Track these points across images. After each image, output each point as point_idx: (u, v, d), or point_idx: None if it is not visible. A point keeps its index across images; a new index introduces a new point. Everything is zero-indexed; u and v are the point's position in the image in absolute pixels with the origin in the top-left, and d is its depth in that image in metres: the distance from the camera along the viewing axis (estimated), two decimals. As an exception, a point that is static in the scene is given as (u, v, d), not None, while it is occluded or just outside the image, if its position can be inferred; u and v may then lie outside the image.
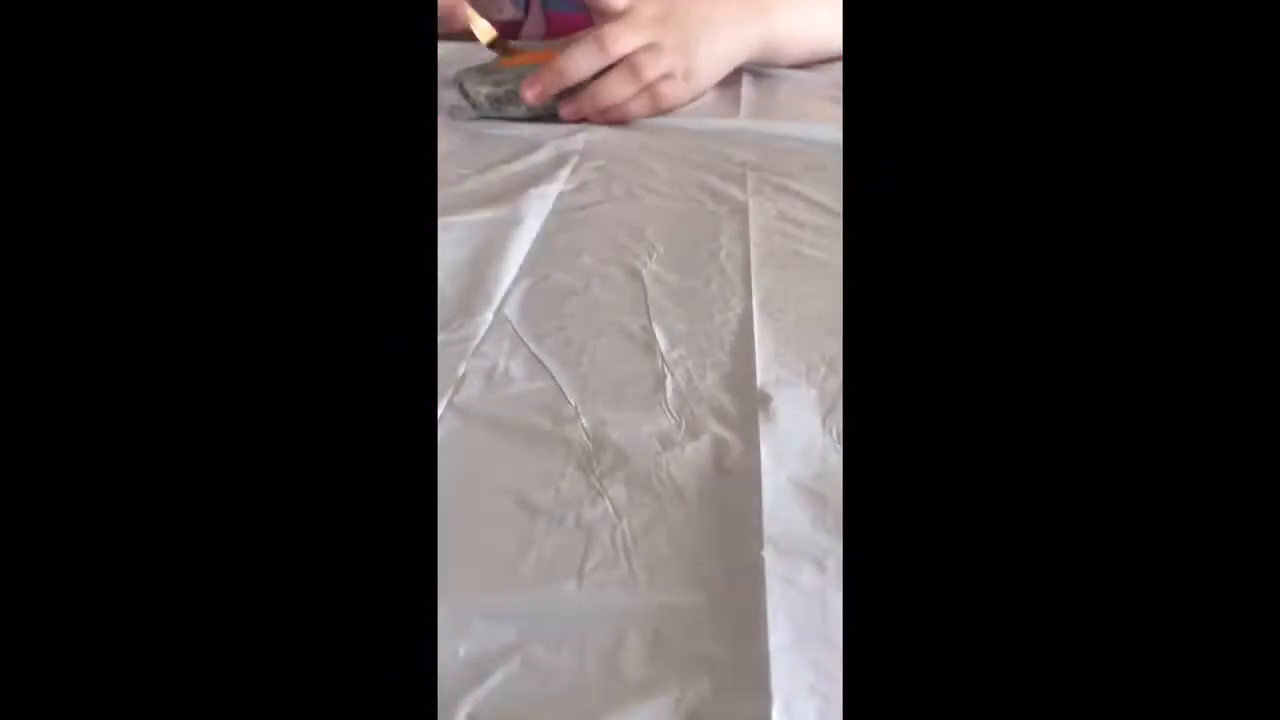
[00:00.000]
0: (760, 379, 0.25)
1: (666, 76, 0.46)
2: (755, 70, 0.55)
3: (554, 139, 0.45)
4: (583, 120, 0.47)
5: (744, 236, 0.34)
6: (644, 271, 0.31)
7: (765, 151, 0.42)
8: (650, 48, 0.46)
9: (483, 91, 0.47)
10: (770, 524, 0.19)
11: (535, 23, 0.69)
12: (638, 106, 0.46)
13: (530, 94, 0.46)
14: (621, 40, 0.45)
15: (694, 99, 0.48)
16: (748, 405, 0.24)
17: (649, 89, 0.46)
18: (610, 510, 0.20)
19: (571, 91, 0.47)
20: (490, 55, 0.53)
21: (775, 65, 0.54)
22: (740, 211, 0.36)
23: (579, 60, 0.45)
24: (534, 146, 0.44)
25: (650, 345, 0.27)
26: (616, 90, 0.46)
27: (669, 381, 0.25)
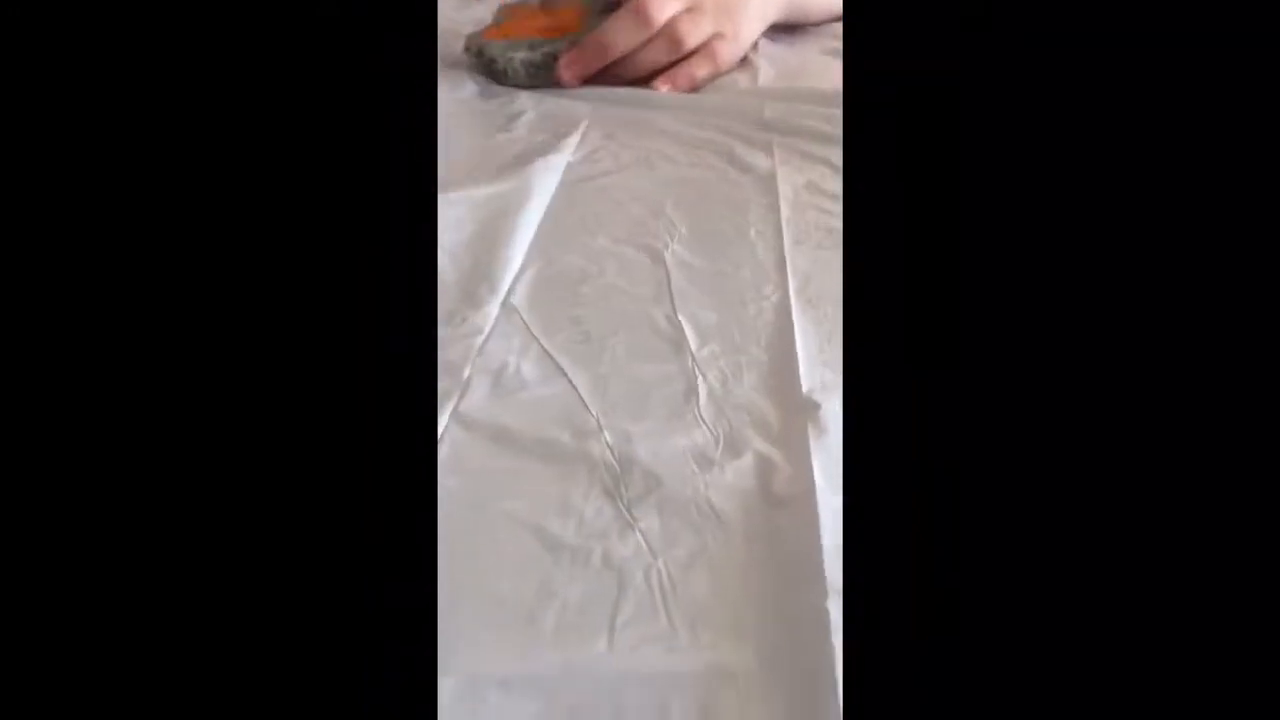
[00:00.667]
0: (805, 383, 0.22)
1: (715, 37, 0.43)
2: (771, 29, 0.51)
3: (558, 102, 0.41)
4: (590, 82, 0.43)
5: (774, 211, 0.31)
6: (666, 253, 0.28)
7: (787, 114, 0.39)
8: (689, 12, 0.42)
9: (518, 58, 0.43)
10: (832, 565, 0.17)
11: None
12: (703, 70, 0.42)
13: (568, 74, 0.42)
14: (663, 8, 0.41)
15: (734, 63, 0.45)
16: (793, 415, 0.21)
17: (706, 49, 0.42)
18: (643, 545, 0.18)
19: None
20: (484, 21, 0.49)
21: (800, 23, 0.50)
22: (767, 182, 0.33)
23: (622, 34, 0.41)
24: (536, 112, 0.40)
25: (678, 341, 0.24)
26: (657, 59, 0.42)
27: (701, 385, 0.22)
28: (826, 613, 0.16)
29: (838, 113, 0.39)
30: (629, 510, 0.18)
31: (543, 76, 0.44)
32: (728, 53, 0.43)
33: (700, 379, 0.22)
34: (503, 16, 0.49)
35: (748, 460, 0.20)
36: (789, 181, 0.33)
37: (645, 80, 0.43)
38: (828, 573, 0.16)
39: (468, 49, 0.47)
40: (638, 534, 0.18)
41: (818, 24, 0.52)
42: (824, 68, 0.47)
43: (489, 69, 0.45)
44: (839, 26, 0.52)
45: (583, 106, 0.41)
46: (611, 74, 0.43)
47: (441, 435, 0.21)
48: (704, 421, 0.21)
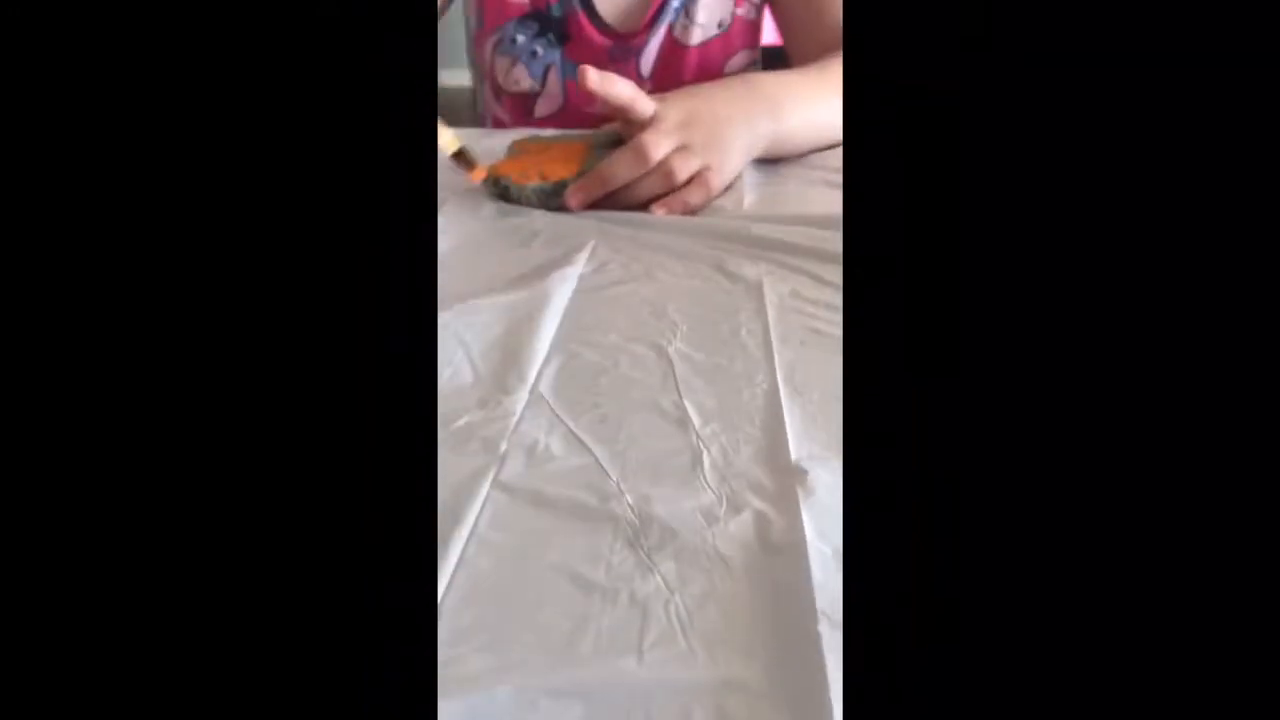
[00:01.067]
0: (794, 454, 0.26)
1: (704, 168, 0.49)
2: (756, 160, 0.57)
3: (568, 223, 0.47)
4: (594, 207, 0.49)
5: (761, 314, 0.35)
6: (670, 349, 0.32)
7: (772, 233, 0.44)
8: (680, 150, 0.49)
9: (530, 188, 0.49)
10: (821, 597, 0.20)
11: (552, 94, 0.72)
12: (696, 198, 0.48)
13: (574, 201, 0.48)
14: (659, 147, 0.48)
15: (721, 191, 0.51)
16: (785, 480, 0.24)
17: (700, 179, 0.49)
18: (662, 585, 0.21)
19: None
20: (505, 143, 0.55)
21: (781, 157, 0.57)
22: (755, 290, 0.38)
23: (623, 168, 0.48)
24: (550, 232, 0.46)
25: (683, 421, 0.28)
26: (653, 190, 0.48)
27: (705, 457, 0.26)
28: (819, 635, 0.19)
29: (819, 232, 0.44)
30: (649, 557, 0.22)
31: (552, 202, 0.49)
32: (717, 182, 0.50)
33: (705, 452, 0.26)
34: (516, 150, 0.55)
35: (747, 516, 0.23)
36: (774, 289, 0.38)
37: (642, 207, 0.49)
38: (818, 603, 0.20)
39: (486, 178, 0.53)
40: (658, 576, 0.21)
41: (798, 156, 0.59)
42: (804, 194, 0.53)
43: (504, 195, 0.51)
44: (817, 157, 0.59)
45: (590, 227, 0.46)
46: (612, 201, 0.49)
47: (484, 500, 0.24)
48: (709, 486, 0.24)
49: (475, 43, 0.75)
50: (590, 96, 0.47)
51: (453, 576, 0.21)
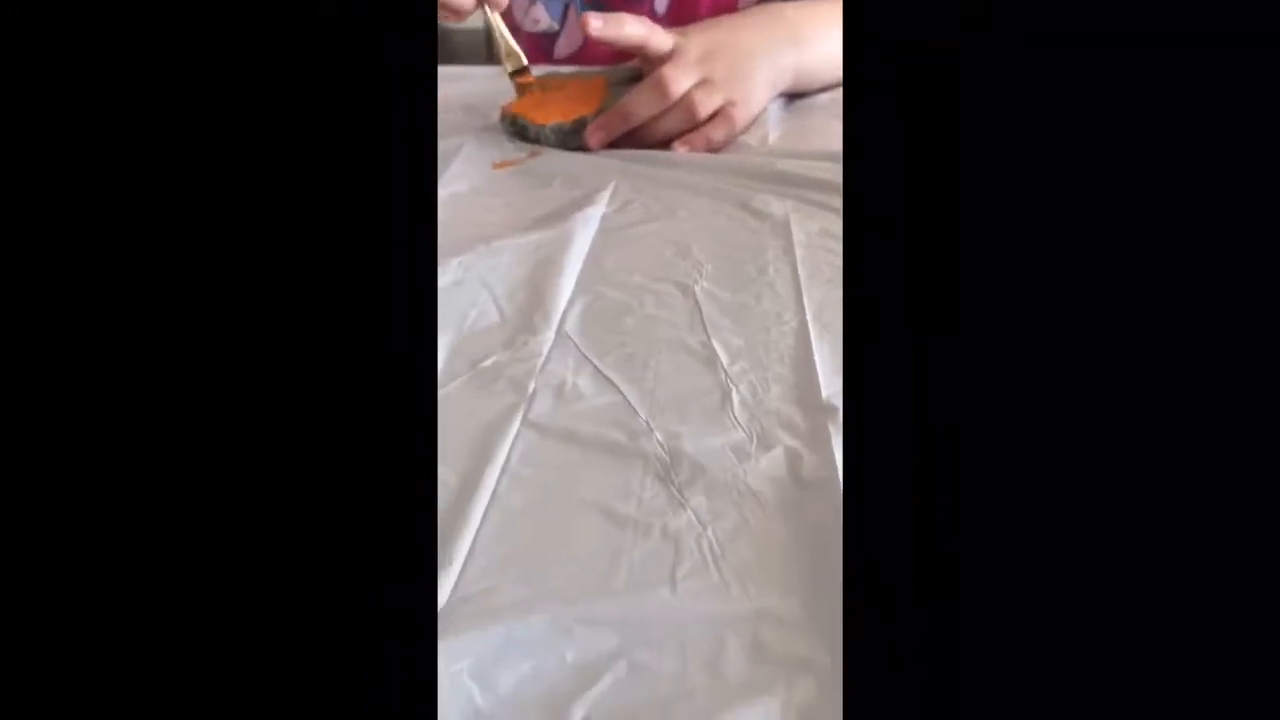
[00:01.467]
0: (824, 391, 0.25)
1: (728, 104, 0.48)
2: (780, 96, 0.56)
3: (588, 163, 0.46)
4: (614, 146, 0.48)
5: (789, 252, 0.35)
6: (695, 288, 0.32)
7: (798, 168, 0.43)
8: (702, 84, 0.47)
9: (548, 127, 0.49)
10: (854, 530, 0.20)
11: (572, 34, 0.70)
12: (720, 134, 0.47)
13: (594, 140, 0.47)
14: (680, 82, 0.46)
15: (746, 126, 0.49)
16: (816, 417, 0.24)
17: (723, 115, 0.47)
18: (694, 519, 0.21)
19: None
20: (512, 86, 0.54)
21: (806, 91, 0.55)
22: (782, 228, 0.37)
23: (644, 104, 0.46)
24: (570, 173, 0.45)
25: (711, 360, 0.28)
26: (675, 127, 0.47)
27: (734, 395, 0.26)
28: (852, 567, 0.19)
29: (841, 167, 0.43)
30: (680, 492, 0.22)
31: (571, 140, 0.48)
32: (741, 117, 0.48)
33: (734, 390, 0.26)
34: (523, 87, 0.54)
35: (778, 453, 0.23)
36: (802, 227, 0.37)
37: (664, 144, 0.48)
38: (851, 536, 0.20)
39: (503, 118, 0.52)
40: (689, 511, 0.21)
41: (823, 90, 0.57)
42: (830, 128, 0.51)
43: (522, 135, 0.50)
44: (838, 94, 0.57)
45: (612, 166, 0.45)
46: (633, 139, 0.48)
47: (515, 437, 0.24)
48: (739, 424, 0.24)
49: None
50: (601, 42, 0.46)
51: (486, 511, 0.21)
